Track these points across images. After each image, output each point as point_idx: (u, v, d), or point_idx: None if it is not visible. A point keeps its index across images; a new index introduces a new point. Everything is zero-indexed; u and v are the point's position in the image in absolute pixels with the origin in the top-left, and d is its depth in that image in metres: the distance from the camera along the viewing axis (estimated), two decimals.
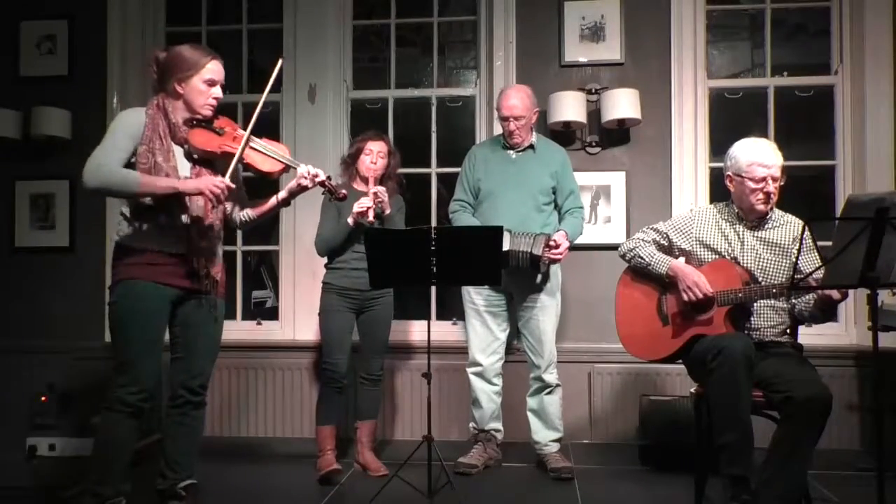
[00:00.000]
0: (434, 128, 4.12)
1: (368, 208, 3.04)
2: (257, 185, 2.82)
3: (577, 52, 3.85)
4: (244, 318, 4.18)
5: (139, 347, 2.33)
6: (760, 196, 2.55)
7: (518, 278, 3.17)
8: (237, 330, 4.09)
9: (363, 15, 4.23)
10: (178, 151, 2.42)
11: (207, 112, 2.43)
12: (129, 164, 2.31)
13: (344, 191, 2.65)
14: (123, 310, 2.33)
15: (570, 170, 3.32)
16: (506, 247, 3.01)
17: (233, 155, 2.39)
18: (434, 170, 4.11)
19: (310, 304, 3.87)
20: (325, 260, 3.29)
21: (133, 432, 2.36)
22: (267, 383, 3.93)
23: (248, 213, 2.65)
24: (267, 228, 4.45)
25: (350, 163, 3.30)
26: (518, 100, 3.21)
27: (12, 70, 4.07)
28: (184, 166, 2.41)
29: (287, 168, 2.50)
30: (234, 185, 2.39)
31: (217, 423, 3.93)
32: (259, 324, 4.12)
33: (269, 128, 4.10)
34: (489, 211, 3.23)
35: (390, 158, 3.27)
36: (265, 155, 2.46)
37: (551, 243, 3.08)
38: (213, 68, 2.42)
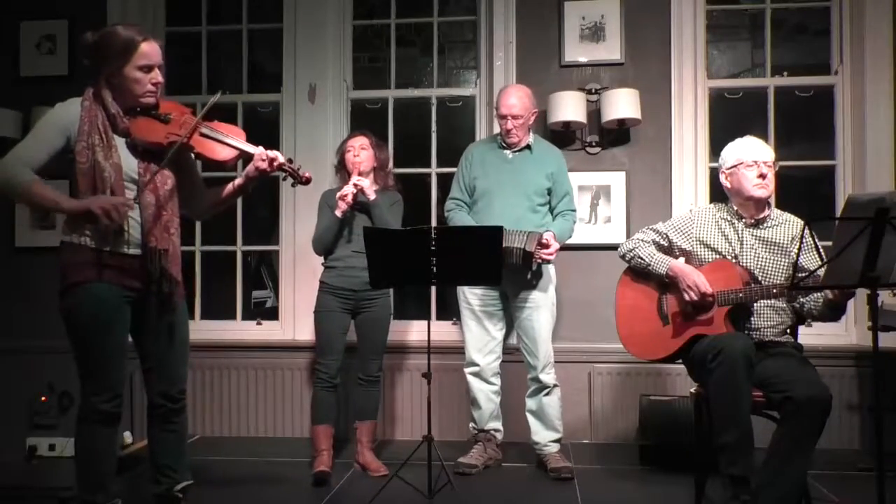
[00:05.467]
0: (434, 128, 4.12)
1: (348, 194, 3.09)
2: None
3: (577, 52, 3.85)
4: (244, 318, 4.18)
5: (106, 354, 2.17)
6: (757, 180, 2.55)
7: (512, 277, 3.15)
8: (237, 330, 4.10)
9: (363, 15, 4.24)
10: (123, 144, 2.19)
11: (149, 100, 2.20)
12: (68, 161, 2.12)
13: (308, 173, 2.39)
14: (84, 315, 2.14)
15: (566, 172, 3.32)
16: None
17: (182, 144, 2.20)
18: (434, 170, 4.10)
19: (310, 305, 3.85)
20: (323, 259, 3.30)
21: (112, 438, 2.27)
22: (266, 383, 3.93)
23: (205, 204, 2.46)
24: (267, 228, 4.45)
25: (340, 166, 3.36)
26: (517, 99, 3.21)
27: (12, 70, 4.06)
28: (130, 161, 2.19)
29: (242, 155, 2.29)
30: (133, 204, 2.13)
31: (216, 422, 3.94)
32: (259, 324, 4.12)
33: (268, 128, 4.12)
34: (484, 210, 3.22)
35: (375, 151, 3.29)
36: (217, 142, 2.25)
37: (543, 241, 3.08)
38: (146, 51, 2.15)
